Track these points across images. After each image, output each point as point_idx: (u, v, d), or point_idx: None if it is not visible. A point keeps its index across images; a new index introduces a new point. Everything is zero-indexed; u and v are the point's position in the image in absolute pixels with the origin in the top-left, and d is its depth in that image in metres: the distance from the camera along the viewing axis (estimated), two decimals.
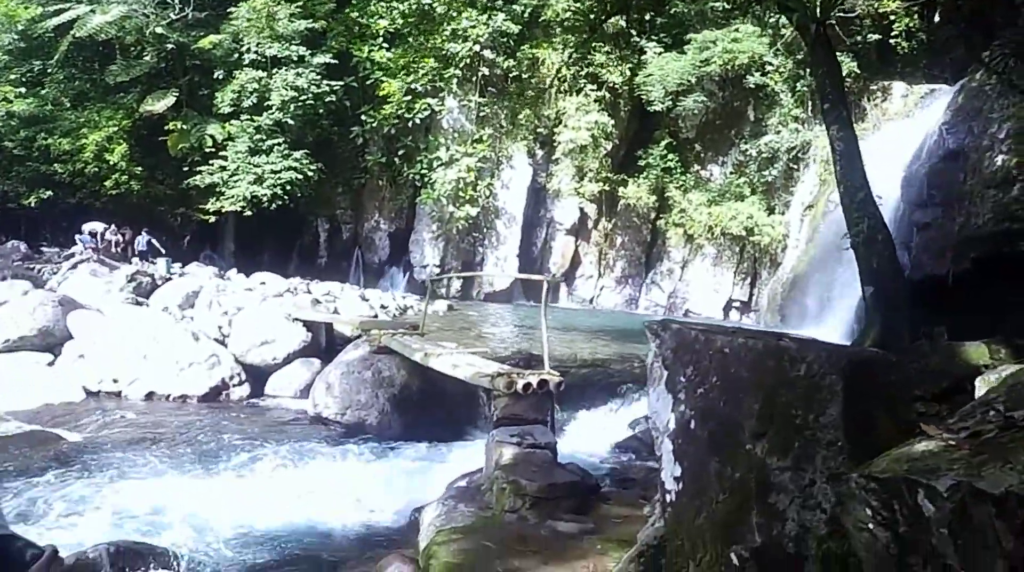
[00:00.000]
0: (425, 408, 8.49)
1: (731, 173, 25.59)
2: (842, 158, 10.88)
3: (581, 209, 26.78)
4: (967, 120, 16.04)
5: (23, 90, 23.62)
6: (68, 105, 23.92)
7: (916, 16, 21.31)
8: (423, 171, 25.29)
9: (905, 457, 1.93)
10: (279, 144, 23.41)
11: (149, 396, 10.21)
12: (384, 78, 24.33)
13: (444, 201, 25.26)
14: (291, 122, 23.52)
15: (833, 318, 20.44)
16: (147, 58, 24.12)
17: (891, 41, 21.81)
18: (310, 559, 5.35)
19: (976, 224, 14.01)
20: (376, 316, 16.50)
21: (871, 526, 1.95)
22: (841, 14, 21.15)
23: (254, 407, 10.27)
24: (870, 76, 22.21)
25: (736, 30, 22.65)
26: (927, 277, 16.58)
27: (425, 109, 24.68)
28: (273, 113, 23.26)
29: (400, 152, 25.43)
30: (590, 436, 8.32)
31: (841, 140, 10.87)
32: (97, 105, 23.74)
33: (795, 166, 23.74)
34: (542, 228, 27.74)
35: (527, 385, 6.27)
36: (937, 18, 20.54)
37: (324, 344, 11.56)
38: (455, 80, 24.59)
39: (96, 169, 22.74)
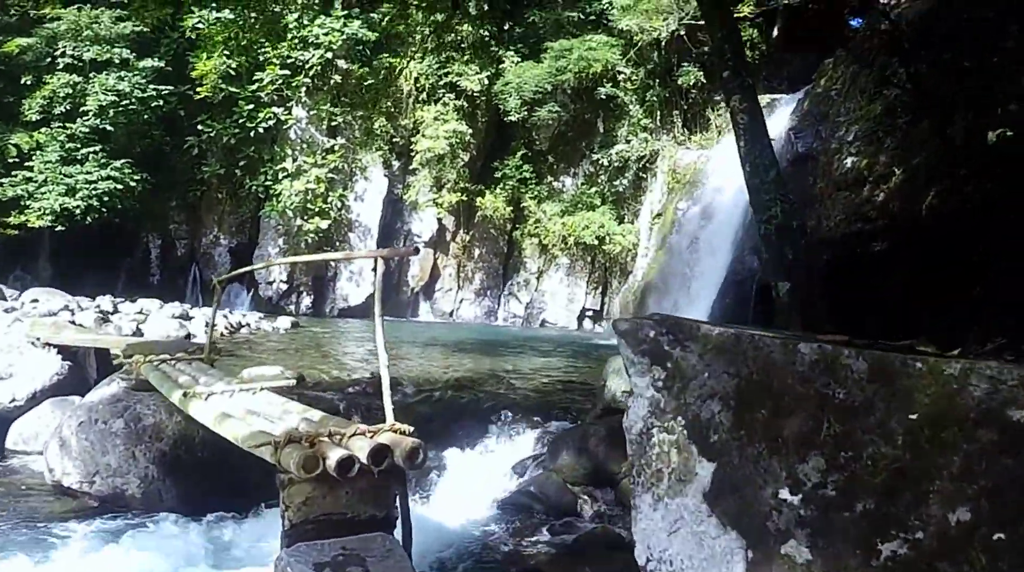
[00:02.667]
0: (213, 469, 5.83)
1: (583, 183, 24.73)
2: (746, 132, 9.07)
3: (439, 221, 24.90)
4: (814, 124, 15.47)
5: None
6: None
7: (756, 29, 21.10)
8: (267, 183, 22.29)
9: None
10: (96, 153, 19.69)
11: None
12: (224, 85, 21.13)
13: (291, 214, 22.40)
14: (111, 129, 19.96)
15: None
16: None
17: None
18: None
19: (828, 226, 13.34)
20: (189, 336, 13.19)
21: None
22: (690, 22, 20.63)
23: None
24: (713, 86, 21.81)
25: (591, 39, 21.79)
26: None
27: (270, 118, 21.63)
28: (89, 119, 19.73)
29: (242, 163, 22.22)
30: (465, 491, 6.19)
31: (745, 112, 9.02)
32: None
33: (644, 176, 23.12)
34: (399, 241, 25.45)
35: (346, 462, 3.19)
36: (775, 32, 20.34)
37: (96, 377, 8.33)
38: (304, 89, 21.70)
39: None
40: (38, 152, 19.99)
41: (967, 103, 10.04)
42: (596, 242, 23.07)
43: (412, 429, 3.62)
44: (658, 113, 22.62)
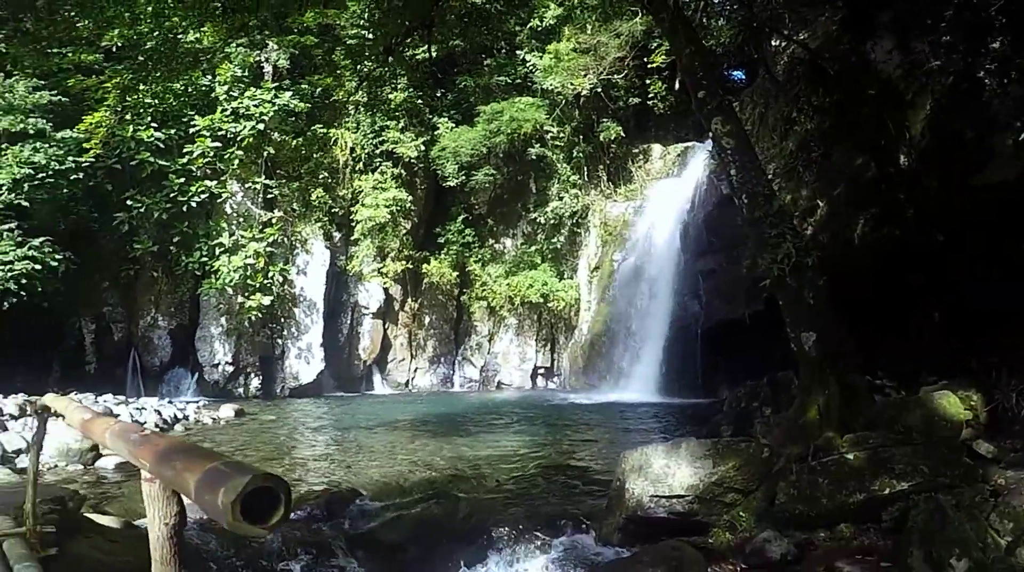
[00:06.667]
0: None
1: (522, 243, 23.38)
2: (736, 159, 7.19)
3: (386, 290, 22.94)
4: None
5: None
6: None
7: (662, 82, 20.50)
8: (204, 259, 20.01)
9: None
10: (12, 230, 17.01)
11: None
12: (152, 159, 19.04)
13: (231, 291, 20.04)
14: (28, 204, 17.35)
15: (638, 376, 17.61)
16: None
17: (649, 102, 20.82)
18: None
19: (762, 265, 11.80)
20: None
21: None
22: (607, 77, 19.72)
23: None
24: (630, 140, 21.02)
25: (519, 101, 20.95)
26: (722, 322, 14.11)
27: (203, 192, 19.58)
28: (3, 194, 17.08)
29: (176, 239, 19.92)
30: None
31: (730, 136, 7.23)
32: None
33: (578, 231, 22.05)
34: (347, 313, 23.20)
35: None
36: (677, 84, 19.64)
37: None
38: (237, 161, 19.76)
39: None
40: None
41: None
42: (541, 300, 21.60)
43: None
44: (585, 169, 21.84)
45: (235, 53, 18.54)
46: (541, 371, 22.98)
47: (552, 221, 21.81)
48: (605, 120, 20.99)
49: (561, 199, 21.49)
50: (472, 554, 5.46)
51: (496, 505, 6.69)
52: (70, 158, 17.80)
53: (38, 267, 16.97)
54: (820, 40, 10.22)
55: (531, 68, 21.38)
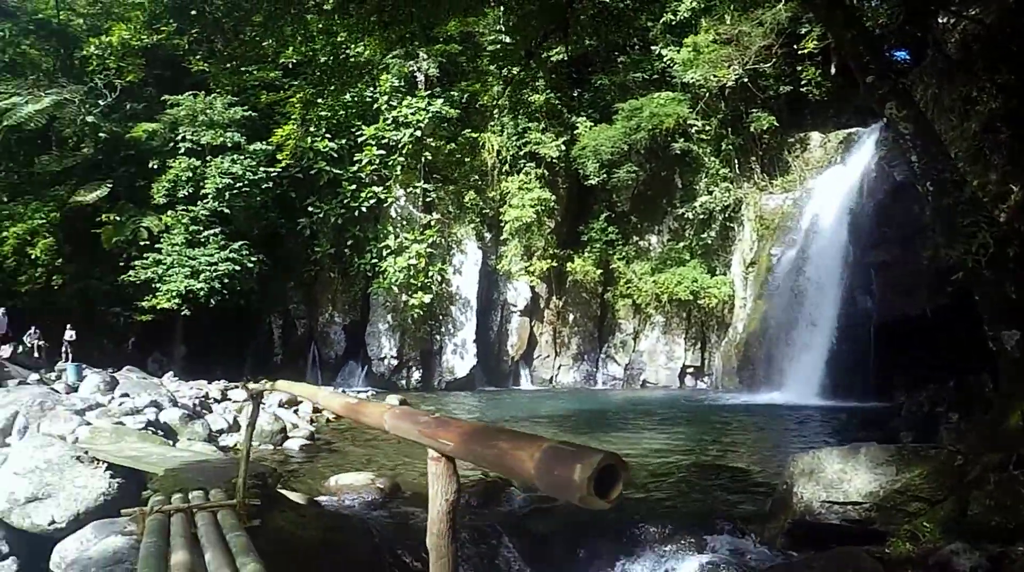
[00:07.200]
0: None
1: (669, 240, 22.77)
2: (917, 144, 6.43)
3: (532, 288, 23.39)
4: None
5: None
6: (5, 199, 19.57)
7: (815, 67, 18.99)
8: (373, 261, 21.72)
9: None
10: (216, 235, 19.46)
11: None
12: (328, 167, 20.99)
13: (396, 290, 21.58)
14: (229, 211, 19.83)
15: (800, 376, 16.38)
16: (84, 150, 20.24)
17: (802, 90, 19.36)
18: None
19: (952, 256, 10.62)
20: (285, 430, 10.98)
21: None
22: (753, 67, 18.74)
23: None
24: (785, 129, 20.01)
25: (658, 96, 20.47)
26: (899, 318, 12.80)
27: (371, 198, 21.22)
28: (209, 202, 19.63)
29: (349, 242, 21.86)
30: None
31: (907, 120, 6.46)
32: (25, 197, 19.46)
33: (730, 225, 20.99)
34: (497, 311, 24.03)
35: None
36: (833, 69, 18.06)
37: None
38: (399, 167, 21.22)
39: (15, 264, 18.29)
40: (165, 235, 19.75)
41: None
42: (690, 297, 20.88)
43: None
44: (735, 162, 20.80)
45: (392, 64, 19.93)
46: (690, 370, 22.24)
47: (701, 216, 21.04)
48: (755, 110, 19.93)
49: (711, 193, 20.65)
50: (621, 549, 5.34)
51: (645, 502, 6.54)
52: (261, 169, 20.04)
53: (237, 268, 19.37)
54: (995, 15, 9.05)
55: (668, 63, 20.83)
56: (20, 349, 16.97)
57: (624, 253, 22.83)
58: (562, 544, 5.60)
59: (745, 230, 20.45)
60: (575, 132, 22.19)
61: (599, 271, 22.86)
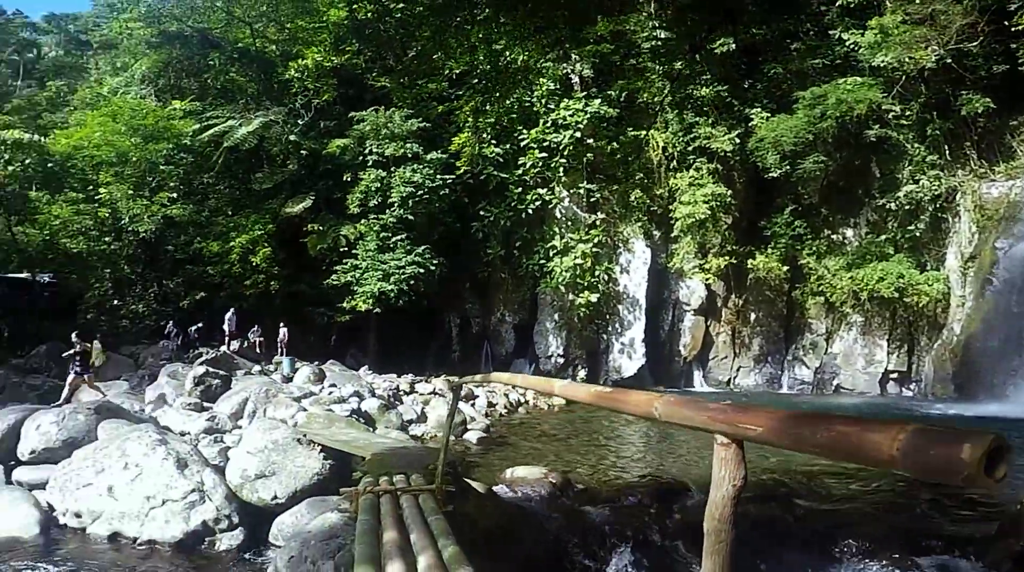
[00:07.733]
0: None
1: (867, 233, 20.41)
2: None
3: (708, 286, 22.31)
4: None
5: (175, 196, 22.79)
6: (230, 212, 23.07)
7: None
8: (540, 261, 22.15)
9: None
10: (403, 240, 21.16)
11: (114, 537, 6.71)
12: (495, 172, 21.81)
13: (563, 289, 21.82)
14: (412, 218, 21.39)
15: None
16: (290, 166, 23.02)
17: (1021, 69, 16.41)
18: None
19: None
20: (465, 422, 11.89)
21: None
22: (956, 46, 16.22)
23: (246, 563, 6.32)
24: (1005, 112, 17.61)
25: (844, 82, 18.48)
26: None
27: (536, 200, 21.64)
28: (395, 210, 21.31)
29: (518, 244, 22.53)
30: None
31: None
32: (246, 210, 22.66)
33: (943, 216, 18.51)
34: (668, 310, 23.22)
35: None
36: None
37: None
38: (562, 169, 21.47)
39: (240, 270, 21.37)
40: (360, 241, 21.73)
41: None
42: (895, 295, 18.62)
43: None
44: (944, 148, 18.39)
45: (547, 68, 20.12)
46: (894, 376, 19.86)
47: (907, 206, 18.72)
48: (965, 92, 17.51)
49: (917, 182, 18.30)
50: (813, 561, 4.99)
51: (840, 516, 6.05)
52: (438, 176, 21.38)
53: (422, 271, 20.85)
54: None
55: (851, 47, 18.82)
56: (244, 344, 19.80)
57: (814, 248, 20.93)
58: (746, 550, 5.31)
59: (962, 221, 17.86)
60: (750, 124, 20.77)
61: (785, 268, 21.18)
